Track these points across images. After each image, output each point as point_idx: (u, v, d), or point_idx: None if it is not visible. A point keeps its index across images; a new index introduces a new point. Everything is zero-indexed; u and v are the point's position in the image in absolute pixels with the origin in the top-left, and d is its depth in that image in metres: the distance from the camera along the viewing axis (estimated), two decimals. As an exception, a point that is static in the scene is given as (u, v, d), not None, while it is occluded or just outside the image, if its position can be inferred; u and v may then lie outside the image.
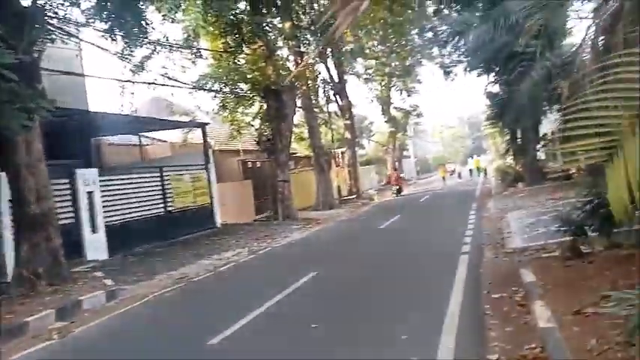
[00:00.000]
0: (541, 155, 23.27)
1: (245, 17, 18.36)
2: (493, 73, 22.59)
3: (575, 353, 3.70)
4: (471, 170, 33.37)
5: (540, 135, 20.08)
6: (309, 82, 23.30)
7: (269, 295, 7.00)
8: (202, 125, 18.16)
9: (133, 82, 17.50)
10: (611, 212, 6.08)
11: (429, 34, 33.55)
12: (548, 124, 18.09)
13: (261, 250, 12.31)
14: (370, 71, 36.65)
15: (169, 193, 14.84)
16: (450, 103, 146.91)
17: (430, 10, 28.75)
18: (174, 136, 20.67)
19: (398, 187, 27.05)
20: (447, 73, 38.51)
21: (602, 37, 4.68)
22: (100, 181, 12.09)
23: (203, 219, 15.95)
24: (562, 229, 6.70)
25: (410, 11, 27.18)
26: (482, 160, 35.65)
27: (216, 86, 20.58)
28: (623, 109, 2.78)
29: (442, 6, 26.45)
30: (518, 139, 23.17)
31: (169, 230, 14.11)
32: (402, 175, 30.96)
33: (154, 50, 17.94)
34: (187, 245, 13.17)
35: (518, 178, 20.74)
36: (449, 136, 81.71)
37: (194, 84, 20.29)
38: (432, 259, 8.53)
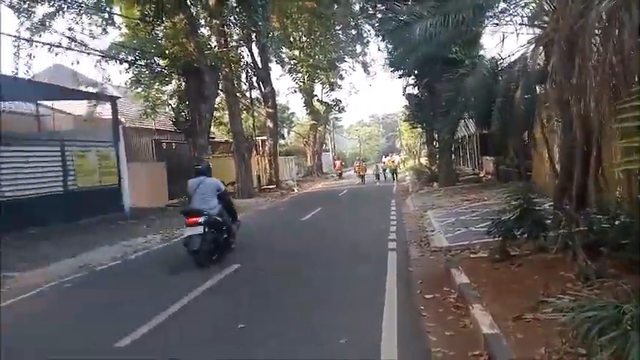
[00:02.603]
0: (454, 157, 24.42)
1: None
2: (413, 76, 23.27)
3: (525, 363, 3.57)
4: (384, 170, 33.45)
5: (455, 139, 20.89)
6: (233, 64, 22.31)
7: (188, 288, 6.35)
8: (112, 99, 16.64)
9: (31, 42, 15.55)
10: (541, 216, 6.27)
11: (353, 32, 34.05)
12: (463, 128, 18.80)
13: (175, 237, 11.42)
14: (294, 61, 36.24)
15: (71, 170, 13.34)
16: (366, 102, 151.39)
17: (357, 7, 29.05)
18: (78, 108, 18.68)
19: (340, 173, 38.98)
20: (367, 72, 39.21)
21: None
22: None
23: (110, 201, 14.57)
24: (491, 230, 6.77)
25: (336, 6, 27.18)
26: (395, 160, 36.01)
27: (130, 58, 19.00)
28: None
29: (367, 5, 26.71)
30: (435, 142, 24.07)
31: (70, 211, 12.70)
32: (342, 164, 43.17)
33: (60, 9, 16.10)
34: (91, 229, 11.90)
35: (433, 178, 21.49)
36: (364, 134, 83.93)
37: (104, 53, 18.56)
38: (360, 255, 8.28)
